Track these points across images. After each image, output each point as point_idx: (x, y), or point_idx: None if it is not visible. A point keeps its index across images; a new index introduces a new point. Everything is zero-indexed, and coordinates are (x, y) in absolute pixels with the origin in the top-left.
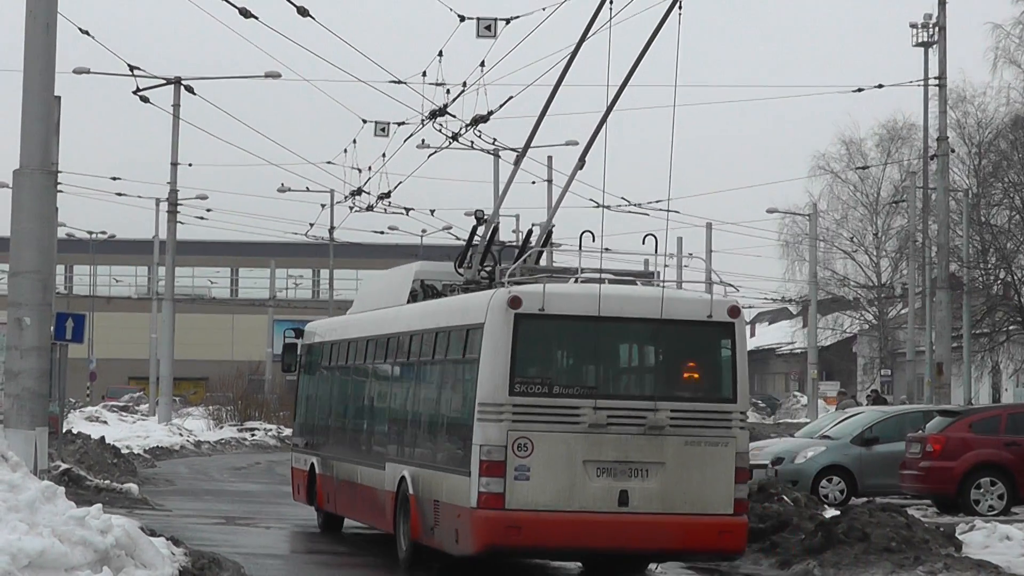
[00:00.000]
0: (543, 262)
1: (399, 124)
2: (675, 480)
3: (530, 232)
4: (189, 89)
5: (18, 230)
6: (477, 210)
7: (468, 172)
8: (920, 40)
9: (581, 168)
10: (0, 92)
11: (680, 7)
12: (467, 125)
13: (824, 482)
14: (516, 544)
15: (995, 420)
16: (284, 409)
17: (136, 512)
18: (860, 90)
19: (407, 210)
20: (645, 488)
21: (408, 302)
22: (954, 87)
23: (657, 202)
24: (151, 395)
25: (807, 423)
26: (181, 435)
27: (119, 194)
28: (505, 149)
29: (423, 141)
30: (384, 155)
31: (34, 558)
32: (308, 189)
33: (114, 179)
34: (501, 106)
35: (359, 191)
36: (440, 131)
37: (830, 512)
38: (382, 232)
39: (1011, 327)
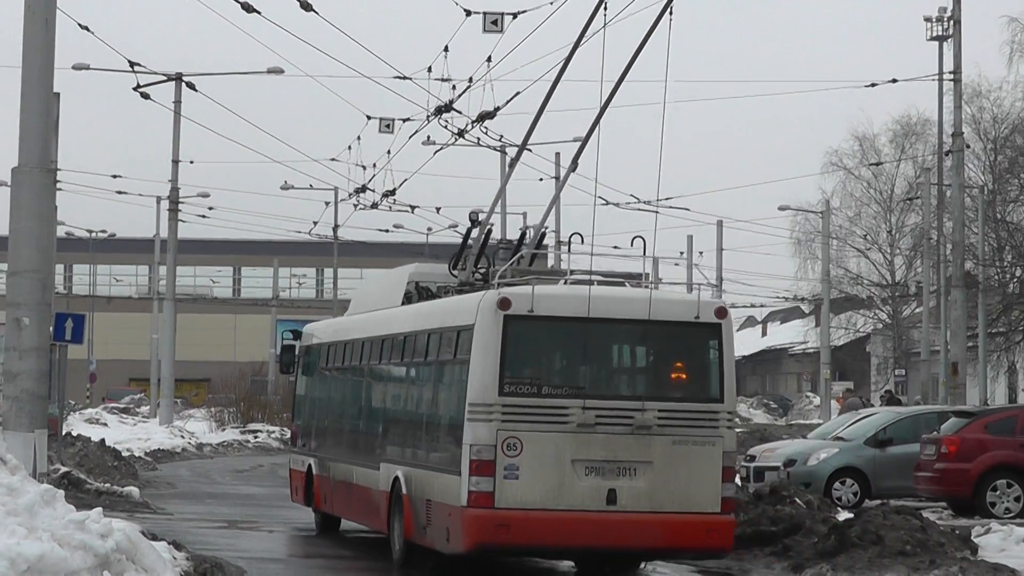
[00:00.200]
0: (551, 263)
1: (404, 120)
2: (663, 479)
3: (523, 234)
4: (190, 85)
5: (17, 229)
6: (471, 212)
7: (474, 169)
8: (934, 34)
9: (574, 170)
10: None
11: (671, 12)
12: (473, 121)
13: (837, 484)
14: (505, 542)
15: (1011, 421)
16: (287, 411)
17: (137, 516)
18: (874, 85)
19: (412, 208)
20: (633, 487)
21: (403, 303)
22: (969, 82)
23: (668, 199)
24: (152, 397)
25: (820, 424)
26: (183, 437)
27: (119, 192)
28: (512, 146)
29: (428, 138)
30: (389, 152)
31: (33, 563)
32: (312, 187)
33: (114, 177)
34: (508, 102)
35: (363, 188)
36: (446, 127)
37: (843, 515)
38: (387, 230)
39: None
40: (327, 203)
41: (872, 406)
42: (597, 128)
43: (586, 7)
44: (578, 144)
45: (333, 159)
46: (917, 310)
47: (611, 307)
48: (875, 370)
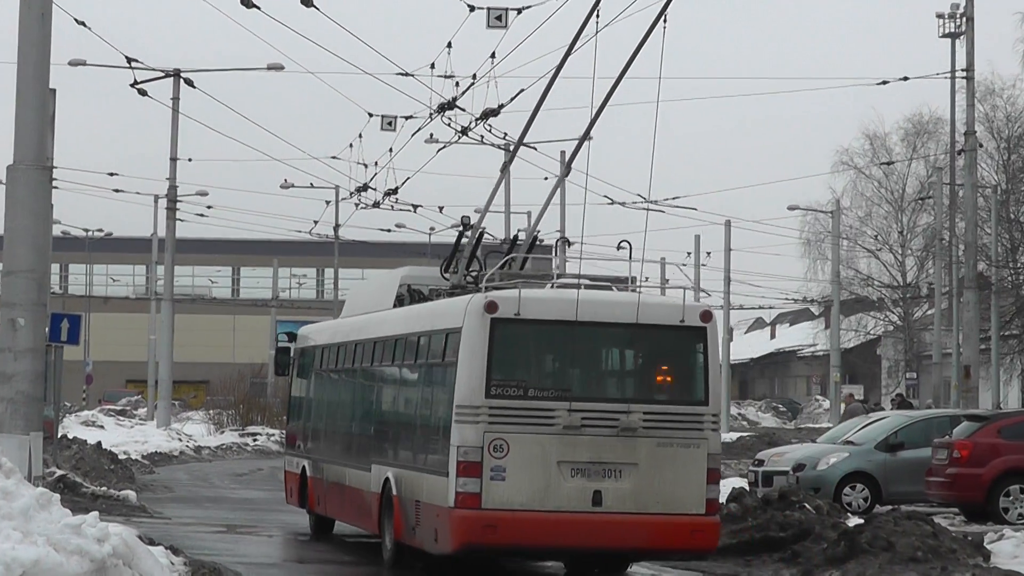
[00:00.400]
0: (555, 265)
1: (407, 118)
2: (648, 480)
3: (516, 237)
4: (189, 82)
5: (12, 228)
6: (463, 216)
7: (478, 168)
8: (947, 31)
9: (567, 175)
10: None
11: (664, 21)
12: (477, 119)
13: (847, 489)
14: (492, 543)
15: None
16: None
17: (134, 520)
18: (884, 83)
19: (415, 207)
20: (618, 488)
21: (394, 306)
22: (982, 79)
23: (675, 198)
24: (149, 399)
25: (829, 428)
26: (180, 440)
27: (116, 190)
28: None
29: (431, 135)
30: (391, 150)
31: (28, 568)
32: (312, 185)
33: (111, 175)
34: (512, 99)
35: (365, 187)
36: (449, 125)
37: (853, 520)
38: (389, 230)
39: None
40: (328, 202)
41: (880, 410)
42: (588, 137)
43: (590, 1)
44: (590, 140)
45: (334, 157)
46: (929, 312)
47: (596, 311)
48: (886, 373)
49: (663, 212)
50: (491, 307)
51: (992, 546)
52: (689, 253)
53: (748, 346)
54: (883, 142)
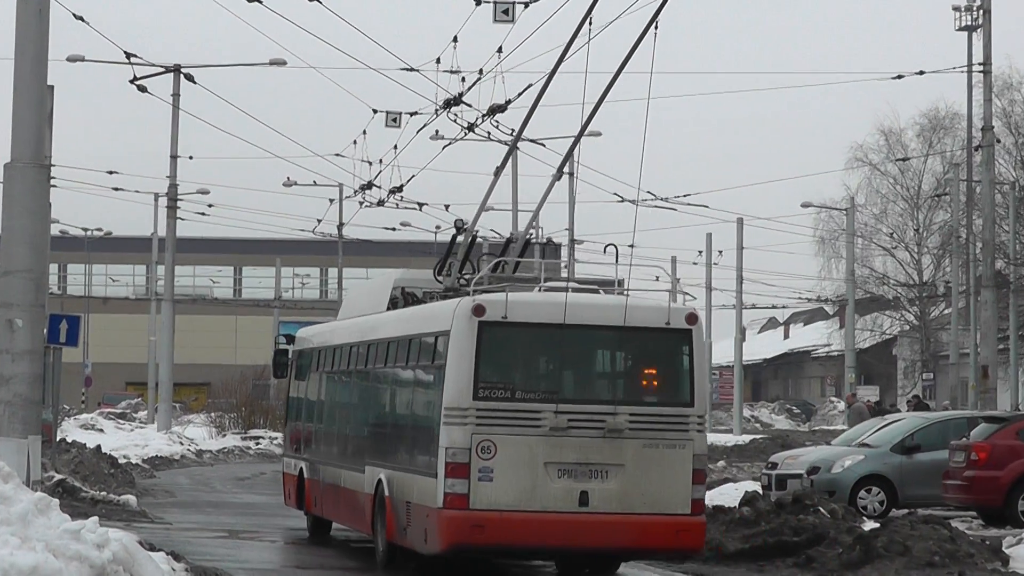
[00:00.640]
0: (564, 266)
1: (412, 114)
2: (634, 481)
3: (509, 241)
4: (189, 78)
5: (9, 227)
6: (457, 219)
7: (485, 165)
8: (963, 24)
9: (559, 179)
10: None
11: (656, 26)
12: (483, 115)
13: (863, 492)
14: (480, 543)
15: None
16: None
17: (134, 525)
18: (900, 77)
19: (420, 205)
20: (605, 489)
21: (388, 309)
22: (999, 74)
23: (685, 196)
24: (150, 401)
25: (844, 430)
26: (181, 444)
27: (116, 189)
28: (524, 140)
29: (437, 132)
30: (396, 147)
31: (27, 574)
32: (315, 183)
33: (110, 173)
34: (520, 94)
35: (369, 185)
36: (455, 121)
37: (869, 524)
38: (394, 228)
39: None
40: (331, 200)
41: (896, 411)
42: (578, 144)
43: None
44: (591, 139)
45: (338, 154)
46: (946, 311)
47: (583, 313)
48: (902, 374)
49: (674, 210)
50: (478, 310)
51: (1010, 550)
52: (700, 251)
53: (761, 346)
54: (899, 138)
